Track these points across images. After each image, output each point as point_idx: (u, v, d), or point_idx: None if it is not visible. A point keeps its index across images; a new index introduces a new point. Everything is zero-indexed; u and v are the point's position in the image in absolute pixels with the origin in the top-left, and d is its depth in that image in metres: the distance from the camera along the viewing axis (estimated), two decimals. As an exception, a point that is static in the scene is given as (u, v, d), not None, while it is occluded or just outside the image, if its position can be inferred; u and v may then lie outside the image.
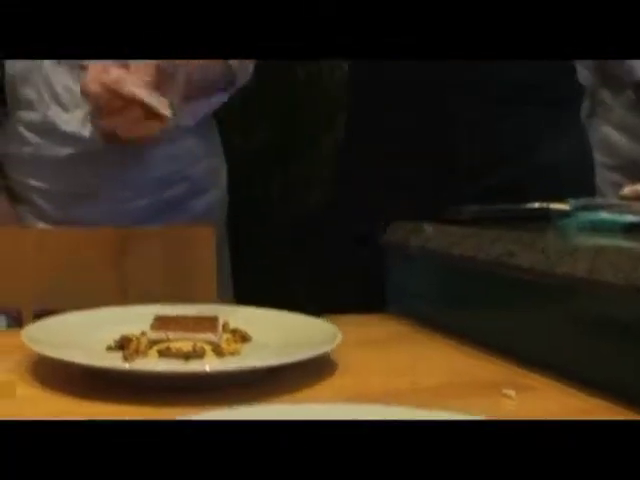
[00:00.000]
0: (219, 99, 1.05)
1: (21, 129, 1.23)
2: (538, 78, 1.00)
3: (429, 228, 0.83)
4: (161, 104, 0.96)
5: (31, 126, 1.22)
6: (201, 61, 0.96)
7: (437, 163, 0.99)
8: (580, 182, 1.03)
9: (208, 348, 0.69)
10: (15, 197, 1.26)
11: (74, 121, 1.20)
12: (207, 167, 1.33)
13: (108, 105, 0.92)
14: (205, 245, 1.05)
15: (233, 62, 1.00)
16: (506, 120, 0.98)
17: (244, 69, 1.04)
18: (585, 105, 2.01)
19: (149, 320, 0.72)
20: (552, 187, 0.96)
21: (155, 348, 0.69)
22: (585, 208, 0.84)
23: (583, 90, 1.11)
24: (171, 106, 0.99)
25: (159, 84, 0.91)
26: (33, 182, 1.24)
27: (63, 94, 1.20)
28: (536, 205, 0.86)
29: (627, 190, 1.13)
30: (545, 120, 1.00)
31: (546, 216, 0.85)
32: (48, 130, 1.21)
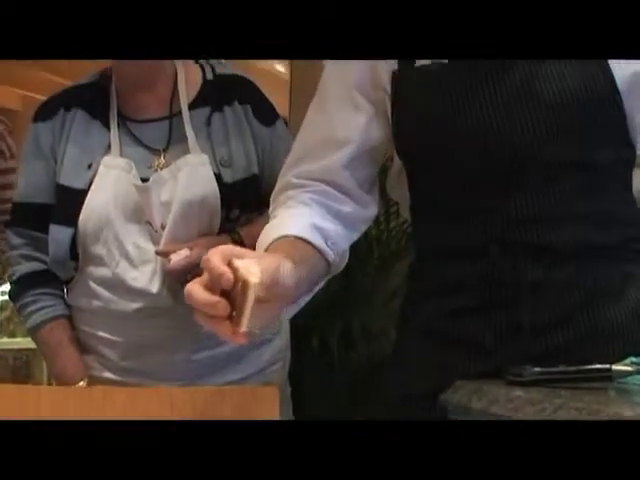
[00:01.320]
0: (317, 288, 1.06)
1: (91, 284, 1.28)
2: (603, 234, 0.99)
3: (492, 390, 0.81)
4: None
5: (101, 281, 1.28)
6: (308, 266, 0.94)
7: (499, 319, 0.97)
8: None
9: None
10: (83, 347, 1.31)
11: (142, 277, 1.24)
12: (274, 346, 1.35)
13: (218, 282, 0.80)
14: (269, 405, 1.04)
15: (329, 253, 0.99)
16: (569, 278, 0.97)
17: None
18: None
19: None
20: (614, 345, 0.94)
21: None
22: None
23: None
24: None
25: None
26: (101, 334, 1.28)
27: (132, 251, 1.26)
28: (597, 366, 0.85)
29: None
30: (610, 275, 0.98)
31: (608, 377, 0.83)
32: (117, 285, 1.26)
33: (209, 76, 1.36)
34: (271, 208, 1.08)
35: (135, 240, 1.27)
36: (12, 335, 2.49)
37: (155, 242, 1.27)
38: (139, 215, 1.27)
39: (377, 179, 1.09)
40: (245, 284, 0.69)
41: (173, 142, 1.30)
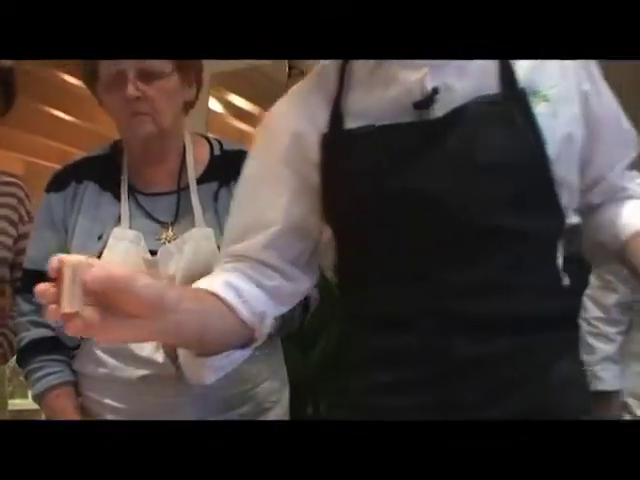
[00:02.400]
0: (240, 356, 0.99)
1: (97, 351, 1.32)
2: (536, 306, 0.98)
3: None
4: None
5: (107, 349, 1.31)
6: (215, 323, 0.91)
7: (427, 397, 0.95)
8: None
9: None
10: (88, 413, 1.33)
11: (148, 346, 1.28)
12: (270, 387, 1.38)
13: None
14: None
15: (255, 322, 0.96)
16: (503, 353, 0.95)
17: (264, 328, 1.00)
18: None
19: None
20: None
21: None
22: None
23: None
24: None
25: None
26: (106, 400, 1.31)
27: None
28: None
29: None
30: (542, 349, 0.97)
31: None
32: (123, 353, 1.29)
33: (217, 152, 1.42)
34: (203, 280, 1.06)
35: None
36: (11, 397, 2.50)
37: None
38: None
39: (313, 251, 1.06)
40: (62, 264, 0.70)
41: (181, 215, 1.35)
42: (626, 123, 1.10)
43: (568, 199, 1.01)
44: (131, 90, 1.27)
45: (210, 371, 0.95)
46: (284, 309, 1.05)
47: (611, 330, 2.03)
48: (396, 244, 0.97)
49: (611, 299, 2.03)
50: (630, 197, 1.09)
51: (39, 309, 1.36)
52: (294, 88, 1.11)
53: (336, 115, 1.02)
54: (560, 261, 1.03)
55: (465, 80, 0.99)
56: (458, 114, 0.96)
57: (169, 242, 1.32)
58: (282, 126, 1.06)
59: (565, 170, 0.99)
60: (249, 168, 1.08)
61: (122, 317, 0.74)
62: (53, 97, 4.19)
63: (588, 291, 2.06)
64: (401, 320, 0.96)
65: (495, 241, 0.94)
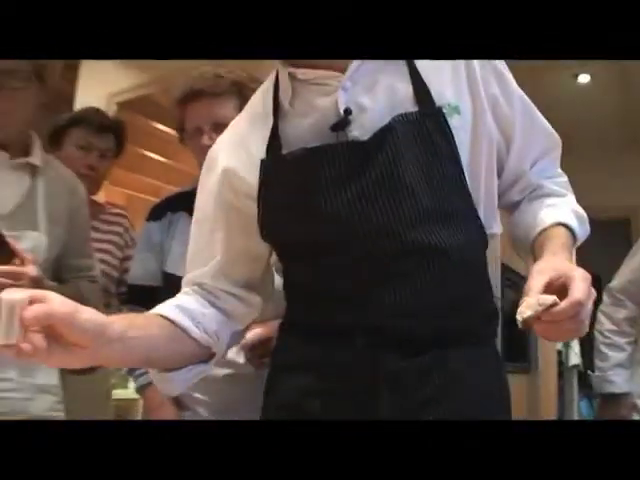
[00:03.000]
0: (203, 369, 1.06)
1: None
2: (458, 321, 0.99)
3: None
4: None
5: None
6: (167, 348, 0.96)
7: (351, 409, 0.97)
8: None
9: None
10: (180, 405, 1.55)
11: (232, 349, 1.48)
12: None
13: None
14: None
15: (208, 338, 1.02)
16: (424, 368, 0.96)
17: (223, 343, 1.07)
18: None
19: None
20: None
21: None
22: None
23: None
24: None
25: None
26: (196, 395, 1.52)
27: None
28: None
29: None
30: (462, 363, 0.98)
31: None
32: None
33: None
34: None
35: None
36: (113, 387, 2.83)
37: None
38: None
39: (264, 271, 1.11)
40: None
41: None
42: (539, 120, 1.09)
43: (489, 209, 1.02)
44: (205, 140, 1.53)
45: (174, 384, 1.02)
46: (241, 326, 1.11)
47: (622, 340, 2.25)
48: (330, 262, 0.99)
49: (621, 314, 2.25)
50: (546, 195, 1.08)
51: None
52: (232, 123, 1.13)
53: (273, 143, 1.03)
54: (487, 273, 1.05)
55: (377, 99, 0.99)
56: (380, 135, 0.95)
57: None
58: (216, 164, 1.08)
59: (484, 179, 1.01)
60: (196, 202, 1.14)
61: (67, 345, 0.78)
62: (149, 141, 4.56)
63: (602, 307, 2.28)
64: (335, 334, 0.99)
65: (420, 259, 0.94)
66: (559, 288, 0.83)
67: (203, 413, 1.51)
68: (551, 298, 0.80)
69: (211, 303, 1.06)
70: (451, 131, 0.96)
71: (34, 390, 1.44)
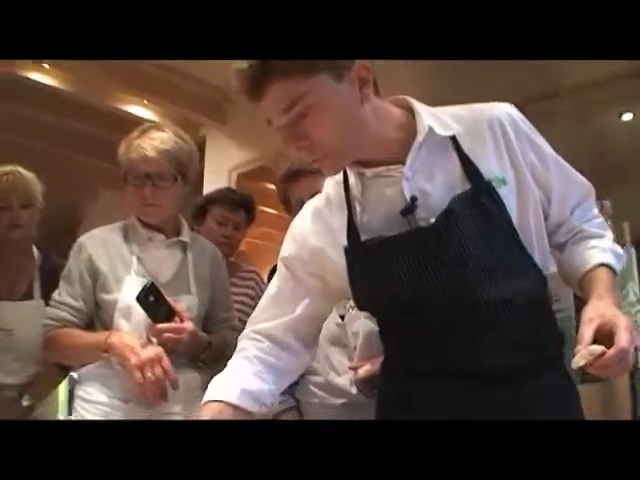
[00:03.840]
0: None
1: (310, 386, 1.86)
2: (529, 356, 1.10)
3: None
4: None
5: (316, 384, 1.85)
6: None
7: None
8: None
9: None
10: None
11: (345, 382, 1.79)
12: None
13: None
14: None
15: None
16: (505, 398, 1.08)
17: None
18: None
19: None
20: None
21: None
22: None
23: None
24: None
25: None
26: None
27: (337, 365, 1.82)
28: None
29: None
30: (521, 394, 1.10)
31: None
32: (328, 388, 1.82)
33: None
34: (238, 346, 1.30)
35: (338, 358, 1.82)
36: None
37: (350, 359, 1.79)
38: (339, 341, 1.81)
39: (318, 332, 1.32)
40: None
41: None
42: (573, 175, 1.23)
43: (543, 253, 1.16)
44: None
45: None
46: (286, 384, 1.31)
47: None
48: (415, 319, 1.12)
49: None
50: (588, 237, 1.22)
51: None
52: (311, 206, 1.27)
53: (352, 231, 1.17)
54: (550, 307, 1.20)
55: (435, 183, 1.12)
56: (443, 218, 1.09)
57: (352, 309, 1.76)
58: (306, 240, 1.23)
59: (534, 231, 1.14)
60: (279, 268, 1.29)
61: None
62: (266, 200, 5.01)
63: None
64: (430, 375, 1.12)
65: (490, 311, 1.08)
66: (606, 333, 0.97)
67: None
68: (599, 349, 0.95)
69: (270, 364, 1.23)
70: (501, 200, 1.10)
71: None
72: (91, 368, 1.79)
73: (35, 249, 2.29)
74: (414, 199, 1.11)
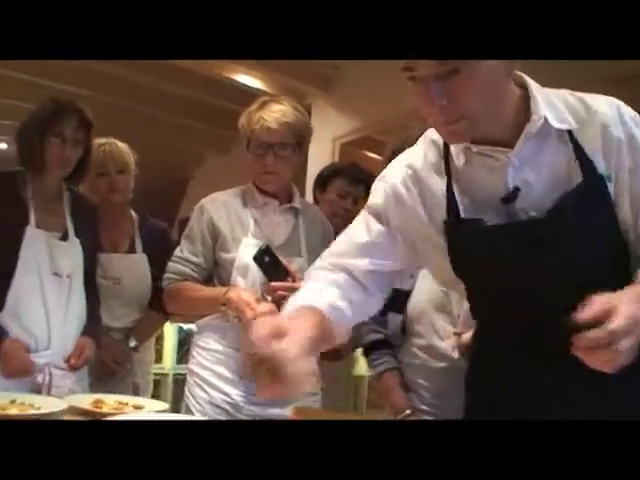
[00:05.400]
0: None
1: (413, 349, 1.94)
2: None
3: None
4: None
5: (420, 347, 1.92)
6: None
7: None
8: None
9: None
10: (408, 388, 1.94)
11: (448, 346, 1.86)
12: None
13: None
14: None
15: None
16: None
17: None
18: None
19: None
20: None
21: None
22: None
23: None
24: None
25: None
26: (420, 380, 1.91)
27: (440, 330, 1.88)
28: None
29: None
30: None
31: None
32: (431, 351, 1.89)
33: None
34: (305, 278, 1.29)
35: (442, 323, 1.89)
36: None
37: (453, 325, 1.86)
38: (443, 308, 1.88)
39: (393, 279, 1.29)
40: None
41: None
42: None
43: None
44: None
45: None
46: (357, 321, 1.27)
47: None
48: (511, 297, 1.12)
49: None
50: None
51: (377, 322, 2.04)
52: (407, 161, 1.23)
53: (451, 204, 1.14)
54: None
55: (540, 174, 1.08)
56: (553, 212, 1.06)
57: None
58: (397, 196, 1.21)
59: (632, 227, 1.09)
60: (365, 215, 1.28)
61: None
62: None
63: None
64: (513, 349, 1.14)
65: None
66: (605, 316, 0.86)
67: (424, 394, 1.90)
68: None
69: (349, 298, 1.19)
70: (610, 197, 1.07)
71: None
72: (208, 320, 1.95)
73: (132, 212, 2.49)
74: (517, 189, 1.09)
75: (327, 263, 1.26)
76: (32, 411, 1.57)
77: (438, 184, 1.17)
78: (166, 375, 4.34)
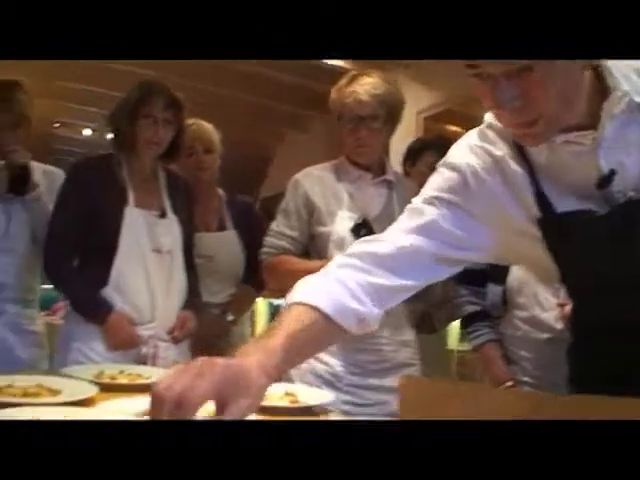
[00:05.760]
0: None
1: (515, 320, 1.91)
2: None
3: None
4: None
5: (522, 319, 1.90)
6: None
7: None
8: None
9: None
10: (509, 360, 1.93)
11: (551, 318, 1.83)
12: None
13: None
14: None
15: None
16: None
17: None
18: None
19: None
20: None
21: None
22: None
23: None
24: None
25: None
26: (522, 352, 1.89)
27: (543, 301, 1.85)
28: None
29: None
30: None
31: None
32: (534, 322, 1.87)
33: None
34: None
35: (545, 295, 1.86)
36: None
37: (556, 297, 1.84)
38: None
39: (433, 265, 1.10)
40: None
41: None
42: None
43: None
44: None
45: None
46: (389, 306, 1.09)
47: None
48: (605, 283, 1.06)
49: None
50: None
51: (474, 293, 2.04)
52: (482, 145, 1.12)
53: (542, 199, 1.06)
54: None
55: (630, 154, 1.01)
56: None
57: None
58: (477, 178, 1.10)
59: None
60: (430, 198, 1.13)
61: None
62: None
63: None
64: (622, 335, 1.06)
65: None
66: None
67: (528, 367, 1.88)
68: None
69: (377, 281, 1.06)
70: None
71: (399, 344, 1.91)
72: (306, 293, 1.96)
73: (220, 189, 2.54)
74: (613, 172, 1.00)
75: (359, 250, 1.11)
76: (141, 381, 1.62)
77: (519, 175, 1.07)
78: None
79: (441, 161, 1.17)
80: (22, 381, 1.41)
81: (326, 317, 0.98)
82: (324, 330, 0.98)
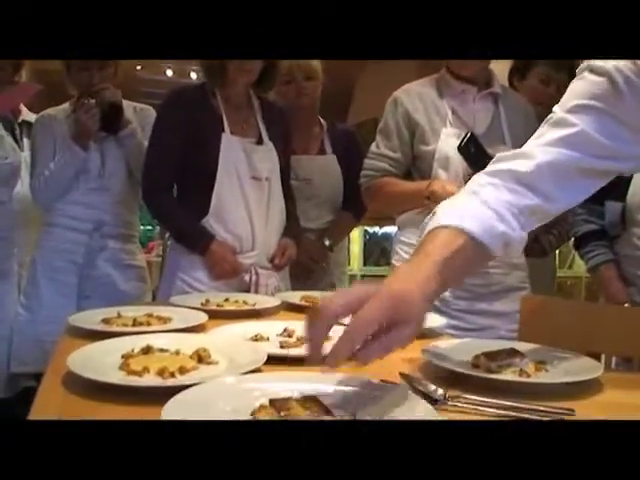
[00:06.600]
0: None
1: (634, 239, 1.78)
2: None
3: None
4: None
5: None
6: None
7: None
8: None
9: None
10: (626, 281, 1.82)
11: None
12: None
13: None
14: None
15: None
16: None
17: None
18: None
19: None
20: None
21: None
22: None
23: None
24: None
25: None
26: None
27: None
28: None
29: None
30: None
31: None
32: None
33: None
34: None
35: None
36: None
37: None
38: None
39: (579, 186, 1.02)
40: None
41: None
42: None
43: None
44: None
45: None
46: (534, 226, 1.02)
47: None
48: None
49: None
50: None
51: (590, 211, 1.91)
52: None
53: None
54: None
55: None
56: None
57: None
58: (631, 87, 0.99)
59: None
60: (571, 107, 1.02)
61: None
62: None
63: None
64: None
65: None
66: None
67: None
68: None
69: (520, 205, 1.00)
70: None
71: (510, 267, 1.82)
72: (411, 215, 1.88)
73: (320, 118, 2.50)
74: None
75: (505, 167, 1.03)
76: (247, 307, 1.61)
77: None
78: (354, 276, 4.45)
79: (582, 65, 1.06)
80: (130, 311, 1.42)
81: (474, 240, 0.95)
82: (472, 253, 0.96)
